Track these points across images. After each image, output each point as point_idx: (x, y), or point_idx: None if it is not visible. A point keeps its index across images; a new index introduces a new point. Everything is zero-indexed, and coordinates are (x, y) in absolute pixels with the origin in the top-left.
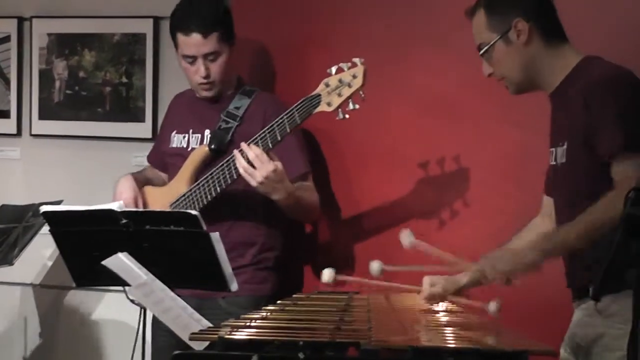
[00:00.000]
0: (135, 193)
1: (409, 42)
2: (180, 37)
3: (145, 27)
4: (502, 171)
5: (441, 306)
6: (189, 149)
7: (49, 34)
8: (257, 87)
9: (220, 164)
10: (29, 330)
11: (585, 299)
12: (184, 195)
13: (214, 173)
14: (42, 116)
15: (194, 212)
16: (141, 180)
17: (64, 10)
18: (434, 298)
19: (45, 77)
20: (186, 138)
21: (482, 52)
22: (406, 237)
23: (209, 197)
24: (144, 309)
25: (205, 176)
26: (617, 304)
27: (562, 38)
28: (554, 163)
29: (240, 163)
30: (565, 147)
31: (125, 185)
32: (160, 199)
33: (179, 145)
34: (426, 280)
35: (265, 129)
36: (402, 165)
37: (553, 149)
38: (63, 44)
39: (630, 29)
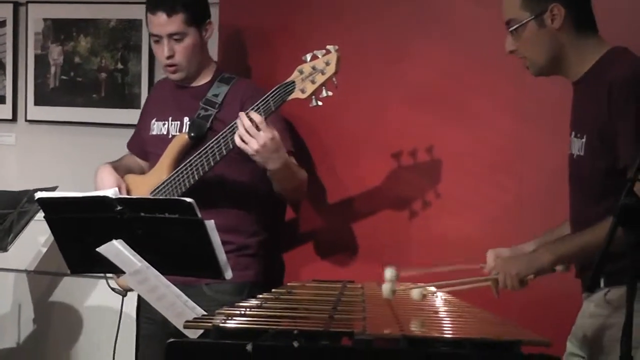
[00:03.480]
0: (118, 181)
1: (400, 32)
2: (149, 15)
3: (140, 13)
4: (496, 162)
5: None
6: (170, 137)
7: (45, 19)
8: (236, 75)
9: (198, 151)
10: (22, 317)
11: (596, 290)
12: (164, 182)
13: (193, 160)
14: (38, 102)
15: (188, 199)
16: (122, 169)
17: None
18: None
19: (41, 63)
20: (166, 125)
21: (512, 28)
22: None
23: (187, 184)
24: (123, 298)
25: (184, 163)
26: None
27: (592, 28)
28: (571, 152)
29: (239, 130)
30: (584, 140)
31: (106, 174)
32: (141, 187)
33: (159, 133)
34: (489, 255)
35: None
36: (389, 155)
37: (573, 139)
38: (59, 30)
39: None
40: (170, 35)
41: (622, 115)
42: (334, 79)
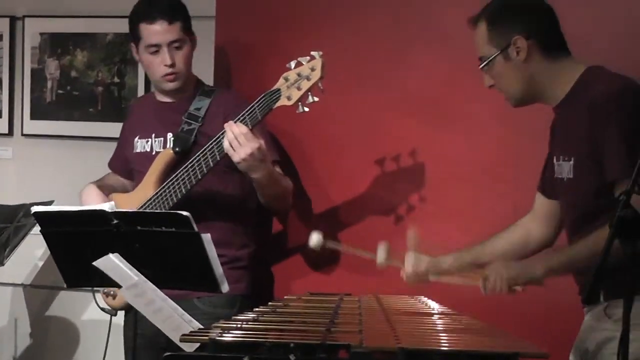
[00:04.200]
0: (103, 200)
1: (393, 39)
2: (145, 26)
3: None
4: (491, 170)
5: (434, 308)
6: (153, 153)
7: (42, 34)
8: (216, 87)
9: (185, 165)
10: (19, 331)
11: (596, 304)
12: (150, 198)
13: (179, 174)
14: (34, 116)
15: (185, 212)
16: (106, 188)
17: (57, 9)
18: (417, 277)
19: (38, 77)
20: (149, 143)
21: (482, 66)
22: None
23: (174, 198)
24: (112, 318)
25: (170, 178)
26: None
27: (563, 51)
28: (560, 176)
29: (228, 135)
30: (572, 163)
31: (93, 194)
32: (128, 205)
33: (142, 150)
34: (410, 256)
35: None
36: (379, 163)
37: (559, 163)
38: (55, 44)
39: (632, 37)
40: (170, 43)
41: (605, 131)
42: (319, 84)
